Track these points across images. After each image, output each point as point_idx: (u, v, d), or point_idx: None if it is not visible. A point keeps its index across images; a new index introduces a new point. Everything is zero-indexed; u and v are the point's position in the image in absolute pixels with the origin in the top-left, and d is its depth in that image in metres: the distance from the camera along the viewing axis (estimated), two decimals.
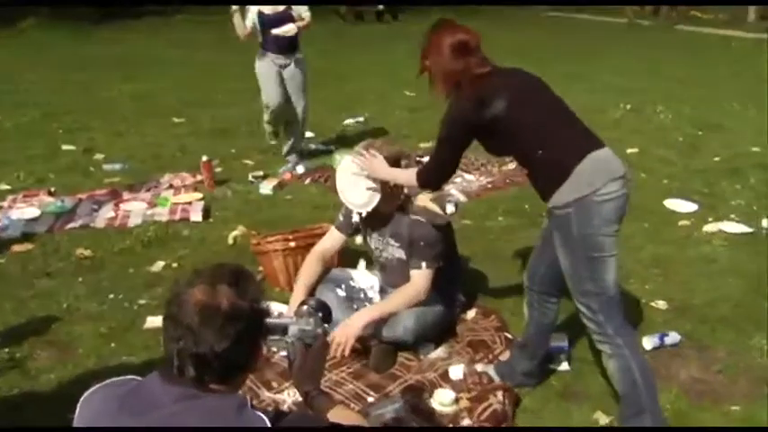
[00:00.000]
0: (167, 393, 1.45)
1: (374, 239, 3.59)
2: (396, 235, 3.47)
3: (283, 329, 1.81)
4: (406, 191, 3.48)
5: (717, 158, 6.71)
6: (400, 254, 3.48)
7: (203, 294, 1.47)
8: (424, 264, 3.35)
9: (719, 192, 5.75)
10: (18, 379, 3.27)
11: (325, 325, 1.88)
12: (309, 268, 3.61)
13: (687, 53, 14.12)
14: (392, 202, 3.44)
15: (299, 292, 3.48)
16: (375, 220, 3.50)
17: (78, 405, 1.53)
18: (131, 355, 3.44)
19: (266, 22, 5.99)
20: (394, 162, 3.32)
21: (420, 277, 3.36)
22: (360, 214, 3.48)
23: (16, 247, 4.67)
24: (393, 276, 3.54)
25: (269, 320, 1.62)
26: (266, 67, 6.17)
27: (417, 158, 6.57)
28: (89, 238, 4.88)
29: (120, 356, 3.45)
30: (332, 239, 3.70)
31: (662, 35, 17.00)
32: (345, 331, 3.24)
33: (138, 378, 1.54)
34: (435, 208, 3.43)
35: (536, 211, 5.26)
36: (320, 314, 1.88)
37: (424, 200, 3.46)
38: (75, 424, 1.51)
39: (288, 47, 6.10)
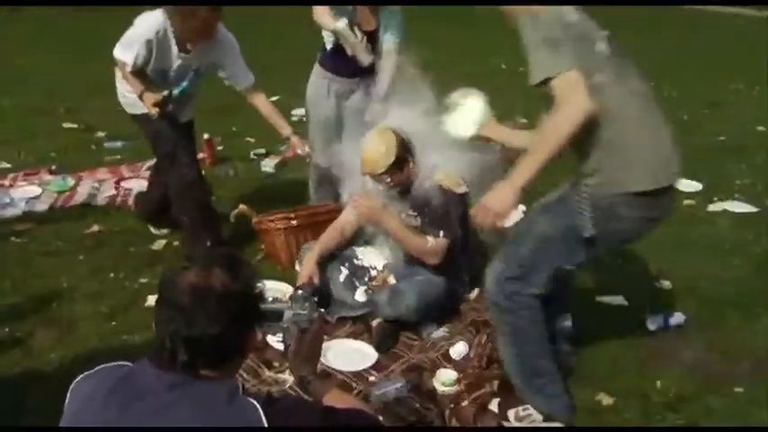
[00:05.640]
0: (159, 380, 1.43)
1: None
2: (415, 206, 3.43)
3: (278, 314, 1.79)
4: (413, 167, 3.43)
5: (722, 137, 6.66)
6: (416, 224, 3.44)
7: (196, 277, 1.45)
8: (441, 232, 3.34)
9: (724, 171, 5.71)
10: (19, 357, 3.26)
11: (321, 309, 1.87)
12: (329, 235, 3.58)
13: (693, 31, 13.99)
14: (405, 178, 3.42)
15: (312, 255, 3.47)
16: (394, 194, 3.46)
17: (69, 391, 1.51)
18: (132, 334, 3.43)
19: None
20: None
21: (438, 244, 3.35)
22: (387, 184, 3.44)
23: (17, 226, 4.65)
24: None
25: (263, 305, 1.60)
26: None
27: None
28: (90, 216, 4.86)
29: (120, 335, 3.44)
30: (352, 213, 3.61)
31: (667, 12, 16.83)
32: (372, 206, 3.35)
33: (129, 364, 1.52)
34: (457, 178, 3.40)
35: (536, 189, 5.21)
36: (315, 299, 1.87)
37: (443, 171, 3.41)
38: (66, 411, 1.50)
39: None
